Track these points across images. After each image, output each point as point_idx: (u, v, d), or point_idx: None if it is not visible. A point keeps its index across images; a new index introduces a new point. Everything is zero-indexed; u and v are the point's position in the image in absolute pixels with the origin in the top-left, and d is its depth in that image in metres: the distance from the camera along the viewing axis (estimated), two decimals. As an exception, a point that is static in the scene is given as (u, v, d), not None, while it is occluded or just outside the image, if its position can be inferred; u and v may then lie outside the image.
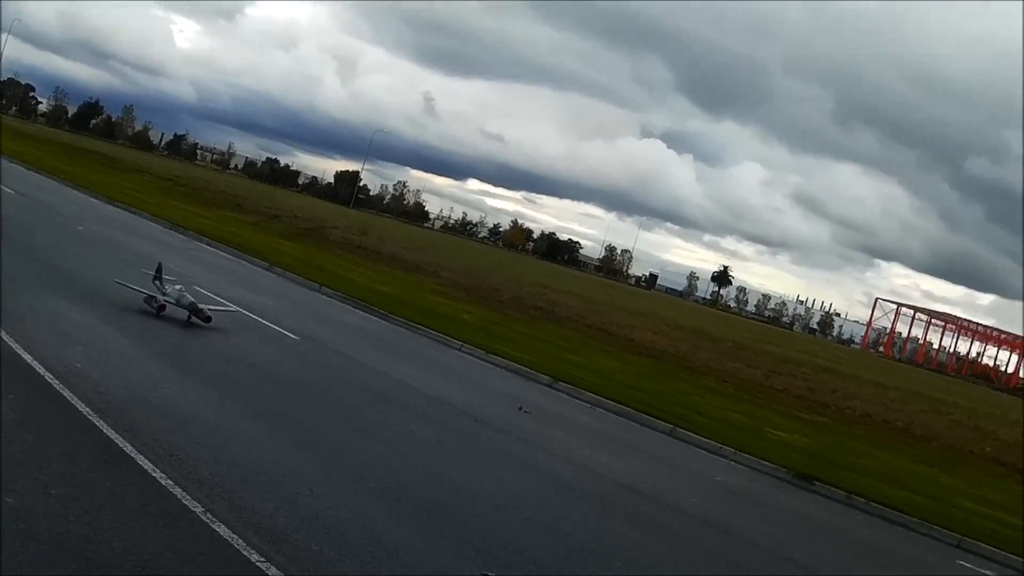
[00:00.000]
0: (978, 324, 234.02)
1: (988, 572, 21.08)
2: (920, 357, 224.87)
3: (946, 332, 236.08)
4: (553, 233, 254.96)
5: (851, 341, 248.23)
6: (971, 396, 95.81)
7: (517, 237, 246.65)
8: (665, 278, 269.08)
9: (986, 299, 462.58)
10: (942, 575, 20.52)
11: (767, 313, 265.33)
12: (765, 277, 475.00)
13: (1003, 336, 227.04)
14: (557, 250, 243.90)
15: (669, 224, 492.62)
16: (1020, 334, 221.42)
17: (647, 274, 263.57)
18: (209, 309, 23.85)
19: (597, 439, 25.03)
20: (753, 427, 33.02)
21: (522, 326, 48.61)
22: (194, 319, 23.34)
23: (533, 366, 33.05)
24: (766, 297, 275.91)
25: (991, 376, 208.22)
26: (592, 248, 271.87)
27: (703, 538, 17.59)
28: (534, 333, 46.45)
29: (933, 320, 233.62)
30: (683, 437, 27.78)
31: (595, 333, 56.28)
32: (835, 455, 31.27)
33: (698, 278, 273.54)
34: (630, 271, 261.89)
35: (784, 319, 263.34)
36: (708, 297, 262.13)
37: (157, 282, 24.67)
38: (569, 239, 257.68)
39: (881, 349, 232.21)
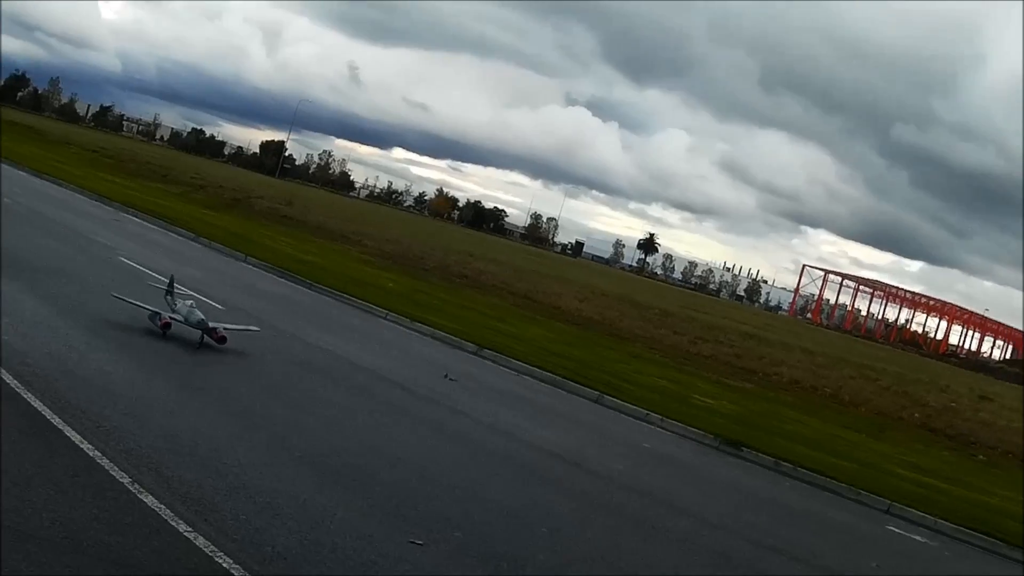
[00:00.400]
0: (906, 291, 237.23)
1: (917, 537, 21.66)
2: (848, 324, 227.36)
3: (874, 299, 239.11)
4: (478, 201, 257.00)
5: (779, 308, 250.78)
6: (900, 362, 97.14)
7: (442, 205, 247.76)
8: (591, 246, 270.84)
9: (914, 266, 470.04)
10: (872, 540, 20.92)
11: (693, 280, 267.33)
12: (691, 244, 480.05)
13: (931, 302, 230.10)
14: (482, 218, 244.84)
15: (595, 192, 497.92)
16: (947, 300, 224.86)
17: (573, 242, 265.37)
18: (223, 328, 21.02)
19: (523, 406, 25.46)
20: (680, 394, 33.65)
21: (447, 294, 49.14)
22: (207, 339, 20.58)
23: (458, 334, 33.53)
24: (692, 264, 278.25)
25: (920, 342, 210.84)
26: (517, 216, 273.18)
27: (630, 504, 17.95)
28: (459, 301, 46.94)
29: (861, 287, 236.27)
30: (610, 404, 28.24)
31: (521, 301, 57.13)
32: (763, 421, 32.00)
33: (624, 245, 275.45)
34: (556, 239, 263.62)
35: (711, 286, 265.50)
36: (634, 264, 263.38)
37: (169, 297, 21.89)
38: (494, 207, 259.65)
39: (809, 316, 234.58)
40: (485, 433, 20.45)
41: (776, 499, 22.49)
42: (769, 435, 28.85)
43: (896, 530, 21.92)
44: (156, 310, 20.90)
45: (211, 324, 20.70)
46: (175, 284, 22.49)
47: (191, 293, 25.02)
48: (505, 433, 20.92)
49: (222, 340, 20.66)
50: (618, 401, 28.40)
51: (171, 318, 20.65)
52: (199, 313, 20.77)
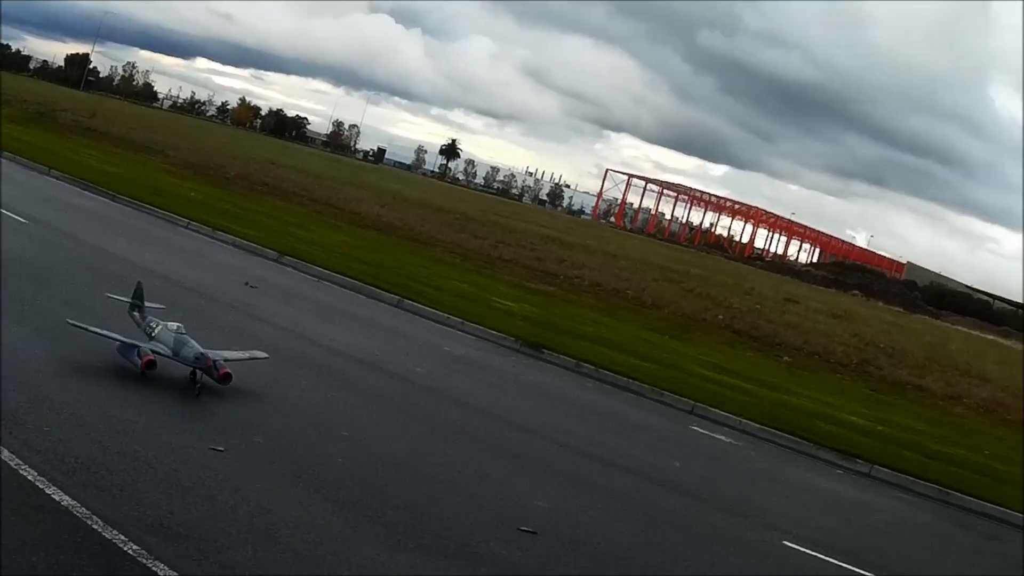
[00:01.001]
0: (711, 195, 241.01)
1: (721, 437, 22.65)
2: (652, 227, 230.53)
3: (678, 203, 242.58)
4: (280, 110, 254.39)
5: (581, 212, 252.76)
6: (704, 265, 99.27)
7: (245, 115, 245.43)
8: (393, 152, 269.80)
9: (719, 170, 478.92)
10: (675, 440, 21.90)
11: (496, 185, 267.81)
12: (494, 150, 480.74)
13: (737, 206, 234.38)
14: (285, 127, 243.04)
15: (397, 99, 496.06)
16: (753, 204, 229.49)
17: (375, 148, 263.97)
18: (224, 360, 15.57)
19: (324, 312, 26.11)
20: (480, 297, 34.40)
21: (249, 202, 49.76)
22: (204, 378, 15.26)
23: (259, 241, 34.27)
24: (495, 169, 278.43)
25: (724, 246, 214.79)
26: (320, 124, 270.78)
27: (429, 407, 18.56)
28: (261, 209, 47.50)
29: (665, 191, 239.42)
30: (410, 308, 28.96)
31: (322, 208, 58.03)
32: (564, 324, 32.80)
33: (426, 152, 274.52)
34: (358, 146, 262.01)
35: (513, 191, 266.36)
36: (436, 170, 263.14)
37: (136, 313, 16.88)
38: (297, 115, 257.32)
39: (612, 220, 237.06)
40: (286, 338, 20.77)
41: (577, 400, 23.25)
42: (570, 337, 29.69)
43: (700, 430, 22.87)
44: (131, 341, 15.61)
45: (210, 355, 15.46)
46: (144, 295, 17.31)
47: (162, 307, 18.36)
48: (305, 338, 21.37)
49: (226, 378, 15.33)
50: (418, 305, 29.10)
51: (153, 352, 15.33)
52: (195, 343, 15.58)
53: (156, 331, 15.88)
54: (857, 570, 14.48)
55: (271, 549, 9.98)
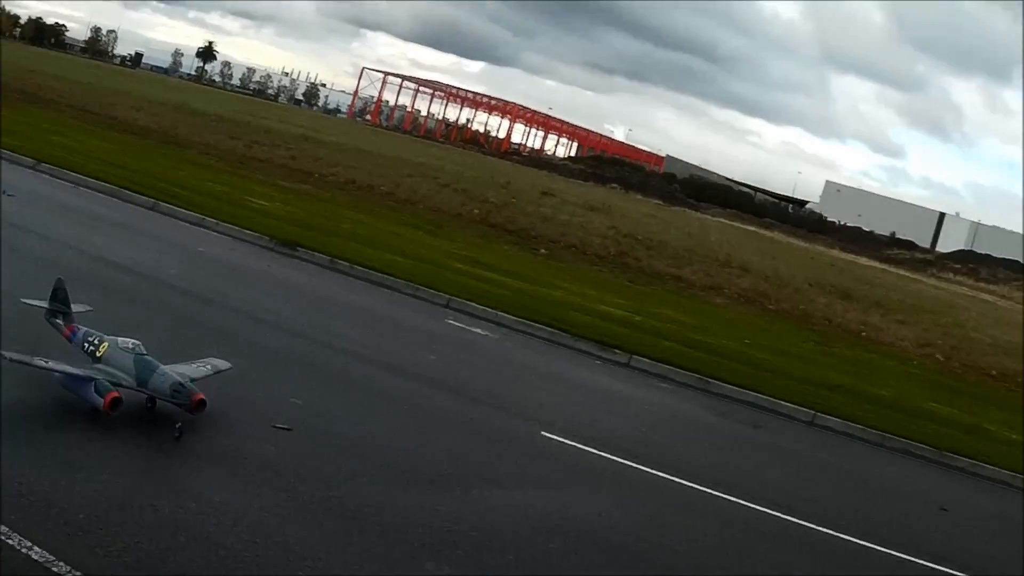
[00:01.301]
0: (467, 91, 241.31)
1: (477, 330, 22.94)
2: (407, 125, 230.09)
3: (435, 99, 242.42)
4: (40, 18, 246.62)
5: (337, 111, 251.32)
6: (460, 161, 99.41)
7: (4, 24, 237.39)
8: (150, 57, 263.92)
9: (476, 66, 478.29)
10: (431, 334, 21.86)
11: (252, 86, 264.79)
12: (250, 51, 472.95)
13: (493, 102, 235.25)
14: (44, 35, 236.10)
15: (155, 2, 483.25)
16: (509, 99, 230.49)
17: (132, 53, 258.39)
18: (191, 380, 12.09)
19: (78, 217, 25.68)
20: (235, 198, 34.10)
21: (6, 111, 47.78)
22: (169, 407, 11.96)
23: (15, 149, 33.22)
24: (251, 71, 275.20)
25: (480, 142, 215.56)
26: (78, 30, 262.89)
27: (182, 307, 18.49)
28: (17, 117, 45.84)
29: (421, 88, 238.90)
30: (165, 211, 28.81)
31: (78, 113, 56.92)
32: (318, 222, 32.80)
33: (183, 55, 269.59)
34: (115, 51, 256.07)
35: (269, 92, 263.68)
36: (193, 73, 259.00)
37: (59, 320, 13.26)
38: (55, 23, 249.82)
39: (368, 118, 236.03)
40: (39, 244, 20.39)
41: (332, 297, 23.39)
42: (325, 235, 29.69)
43: (456, 324, 23.13)
44: (84, 372, 11.75)
45: (182, 380, 11.99)
46: (68, 297, 13.62)
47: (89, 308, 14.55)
48: (60, 243, 21.00)
49: (201, 405, 11.79)
50: (173, 207, 28.96)
51: (113, 383, 11.59)
52: (166, 368, 12.16)
53: (102, 351, 12.34)
54: (614, 458, 14.89)
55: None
